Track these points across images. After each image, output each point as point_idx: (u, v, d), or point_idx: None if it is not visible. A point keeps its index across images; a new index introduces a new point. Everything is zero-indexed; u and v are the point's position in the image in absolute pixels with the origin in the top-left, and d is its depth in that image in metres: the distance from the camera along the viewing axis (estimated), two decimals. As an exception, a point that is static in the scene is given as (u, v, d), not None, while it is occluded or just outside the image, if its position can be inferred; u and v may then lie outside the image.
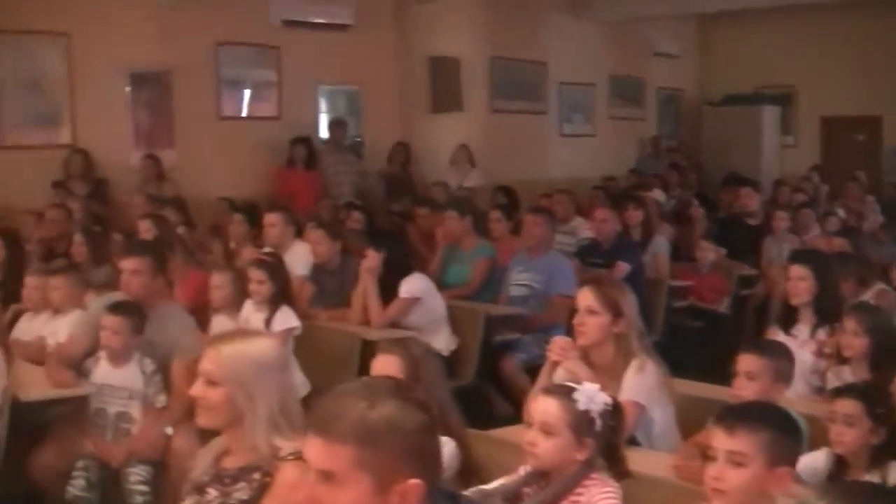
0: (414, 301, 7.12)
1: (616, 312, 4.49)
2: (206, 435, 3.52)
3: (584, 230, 9.78)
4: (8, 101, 10.59)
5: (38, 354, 6.21)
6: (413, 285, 7.16)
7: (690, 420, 4.43)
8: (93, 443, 5.37)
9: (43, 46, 10.80)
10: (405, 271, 7.21)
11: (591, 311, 4.50)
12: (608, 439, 3.42)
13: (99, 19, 10.82)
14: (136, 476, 5.28)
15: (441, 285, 7.77)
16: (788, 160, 16.67)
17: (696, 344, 8.61)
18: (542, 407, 3.42)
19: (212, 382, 3.19)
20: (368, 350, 6.19)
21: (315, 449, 2.23)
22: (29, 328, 6.67)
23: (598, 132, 16.20)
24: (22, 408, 5.36)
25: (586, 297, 4.54)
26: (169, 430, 5.38)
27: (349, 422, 2.19)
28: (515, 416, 6.11)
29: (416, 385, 3.55)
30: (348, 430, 2.18)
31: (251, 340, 3.33)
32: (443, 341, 7.01)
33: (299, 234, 8.10)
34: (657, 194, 12.42)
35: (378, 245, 7.17)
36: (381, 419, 2.19)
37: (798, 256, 6.11)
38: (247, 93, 12.41)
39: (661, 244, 9.48)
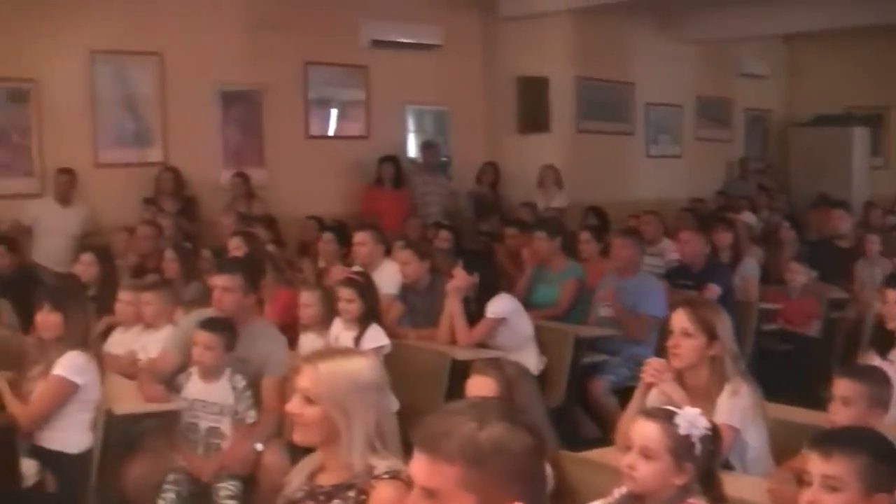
0: (500, 321, 7.09)
1: (711, 335, 4.44)
2: (297, 451, 3.53)
3: (672, 252, 9.70)
4: (102, 119, 10.75)
5: (129, 368, 6.31)
6: (499, 305, 7.14)
7: (782, 444, 4.38)
8: (184, 457, 5.43)
9: (136, 65, 10.95)
10: (493, 291, 7.20)
11: (686, 334, 4.45)
12: (706, 464, 3.37)
13: (190, 39, 10.95)
14: (226, 491, 5.33)
15: (528, 306, 7.74)
16: (878, 182, 16.42)
17: (785, 367, 8.48)
18: (643, 430, 3.37)
19: (309, 400, 3.18)
20: (458, 369, 6.19)
21: (421, 466, 2.22)
22: (121, 342, 6.78)
23: (685, 154, 16.09)
24: (115, 421, 5.44)
25: (681, 319, 4.49)
26: (259, 446, 5.42)
27: (457, 441, 2.17)
28: (603, 438, 6.09)
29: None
30: (456, 450, 2.16)
31: (350, 359, 3.32)
32: (530, 362, 6.95)
33: (388, 252, 8.12)
34: (747, 216, 12.31)
35: (470, 267, 7.16)
36: (489, 440, 2.17)
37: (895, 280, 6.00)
38: (335, 112, 12.49)
39: (750, 267, 9.38)
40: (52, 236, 10.05)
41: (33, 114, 10.31)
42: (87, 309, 5.78)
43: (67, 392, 5.29)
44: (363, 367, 3.26)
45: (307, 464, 3.34)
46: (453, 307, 7.05)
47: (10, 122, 10.29)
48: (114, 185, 10.63)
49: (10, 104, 10.27)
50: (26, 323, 5.93)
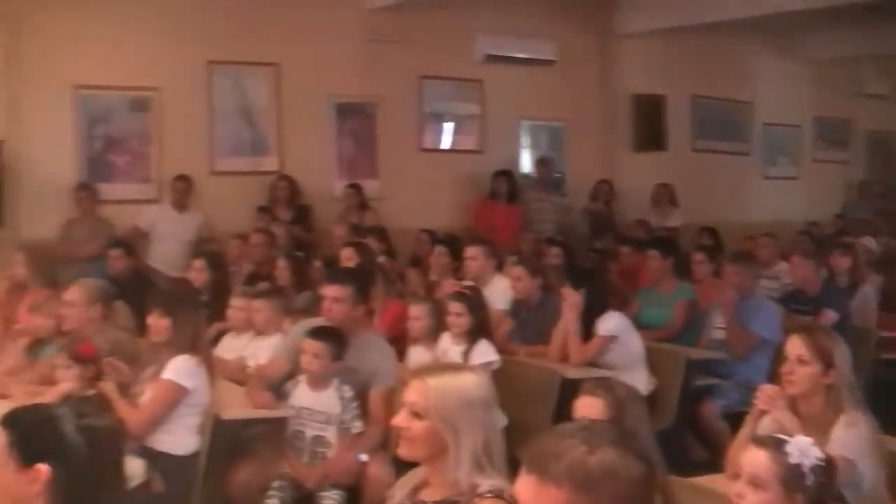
0: (611, 339, 7.01)
1: (827, 363, 4.33)
2: (401, 464, 3.50)
3: (788, 276, 9.52)
4: (220, 128, 10.95)
5: (238, 374, 6.37)
6: (610, 323, 7.06)
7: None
8: (289, 464, 5.47)
9: (253, 76, 11.14)
10: (602, 309, 7.12)
11: (802, 361, 4.34)
12: (818, 497, 3.26)
13: (307, 51, 11.10)
14: (330, 500, 5.36)
15: (637, 327, 7.64)
16: None
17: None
18: (752, 458, 3.28)
19: (416, 414, 3.14)
20: (567, 387, 6.13)
21: (527, 487, 2.17)
22: (231, 347, 6.86)
23: (803, 175, 15.82)
24: (223, 426, 5.48)
25: (796, 346, 4.38)
26: (364, 457, 5.43)
27: (567, 464, 2.12)
28: (712, 462, 5.98)
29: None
30: (565, 473, 2.11)
31: (459, 375, 3.27)
32: (640, 382, 6.85)
33: (500, 267, 8.08)
34: (868, 241, 12.03)
35: (577, 283, 7.09)
36: (599, 466, 2.12)
37: None
38: (449, 126, 12.53)
39: (868, 293, 9.15)
40: (168, 241, 10.24)
41: (153, 122, 10.56)
42: (198, 314, 5.83)
43: (177, 396, 5.34)
44: (472, 383, 3.21)
45: (411, 478, 3.31)
46: (570, 324, 6.98)
47: (131, 130, 10.57)
48: (229, 192, 10.81)
49: (132, 112, 10.54)
50: (141, 326, 6.01)
